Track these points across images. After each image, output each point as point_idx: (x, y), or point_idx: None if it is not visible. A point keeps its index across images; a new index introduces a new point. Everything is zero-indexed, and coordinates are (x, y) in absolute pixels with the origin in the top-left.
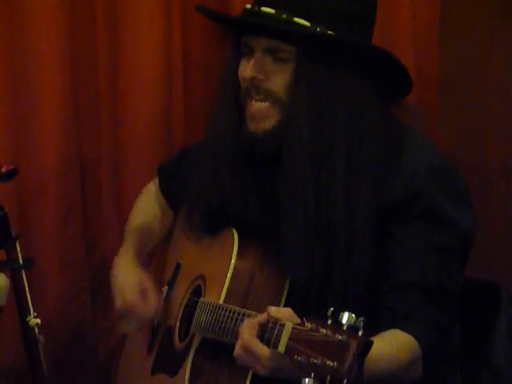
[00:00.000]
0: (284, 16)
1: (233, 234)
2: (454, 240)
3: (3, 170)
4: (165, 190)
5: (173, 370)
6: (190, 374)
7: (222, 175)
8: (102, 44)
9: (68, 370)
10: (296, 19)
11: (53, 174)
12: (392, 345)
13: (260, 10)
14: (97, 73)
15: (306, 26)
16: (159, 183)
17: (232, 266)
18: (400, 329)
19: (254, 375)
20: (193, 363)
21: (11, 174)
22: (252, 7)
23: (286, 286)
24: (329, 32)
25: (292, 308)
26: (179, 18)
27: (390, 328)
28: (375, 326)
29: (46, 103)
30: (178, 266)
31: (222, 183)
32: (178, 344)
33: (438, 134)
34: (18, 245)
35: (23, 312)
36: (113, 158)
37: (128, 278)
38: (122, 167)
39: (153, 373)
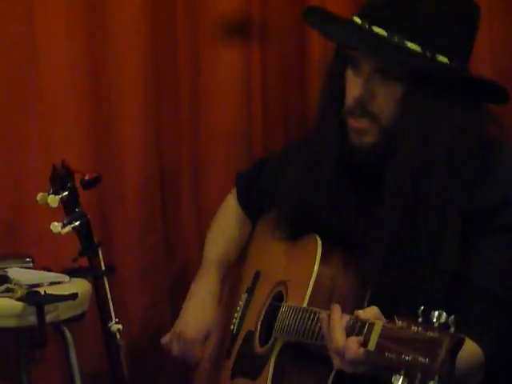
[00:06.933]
0: (396, 39)
1: (316, 240)
2: None
3: (86, 177)
4: (243, 200)
5: (254, 373)
6: (273, 375)
7: (320, 179)
8: (184, 52)
9: (148, 376)
10: (407, 43)
11: (134, 183)
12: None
13: (371, 28)
14: (177, 82)
15: (417, 53)
16: (237, 194)
17: (315, 273)
18: (467, 333)
19: (336, 375)
20: (275, 365)
21: (94, 182)
22: (362, 23)
23: (368, 294)
24: (439, 58)
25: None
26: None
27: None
28: None
29: (129, 113)
30: (258, 274)
31: (318, 187)
32: (258, 348)
33: None
34: (100, 252)
35: (105, 318)
36: (192, 167)
37: (202, 313)
38: (201, 176)
39: (233, 377)
